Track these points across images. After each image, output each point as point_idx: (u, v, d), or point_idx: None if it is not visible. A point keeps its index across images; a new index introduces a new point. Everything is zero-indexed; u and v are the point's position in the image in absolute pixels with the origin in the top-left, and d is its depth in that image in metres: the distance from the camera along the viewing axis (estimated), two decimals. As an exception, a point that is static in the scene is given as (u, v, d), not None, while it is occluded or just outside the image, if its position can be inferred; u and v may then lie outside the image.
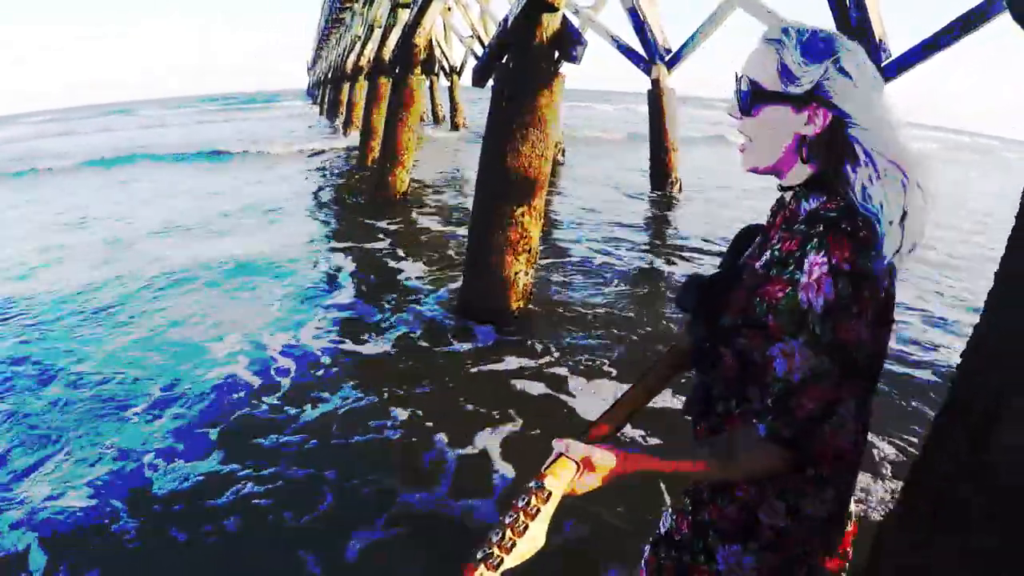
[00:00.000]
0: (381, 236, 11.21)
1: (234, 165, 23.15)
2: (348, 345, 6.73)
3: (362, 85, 22.76)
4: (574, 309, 7.66)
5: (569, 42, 6.47)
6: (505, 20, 6.89)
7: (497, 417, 5.11)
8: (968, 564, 1.89)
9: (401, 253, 10.19)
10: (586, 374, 5.92)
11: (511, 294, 6.89)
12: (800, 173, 1.52)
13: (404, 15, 14.49)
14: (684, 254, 10.41)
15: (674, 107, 14.39)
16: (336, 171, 20.69)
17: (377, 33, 18.95)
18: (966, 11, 7.82)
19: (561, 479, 1.40)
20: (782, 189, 1.59)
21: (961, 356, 2.11)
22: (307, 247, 10.80)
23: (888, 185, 1.38)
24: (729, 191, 16.43)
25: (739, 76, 1.52)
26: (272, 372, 6.02)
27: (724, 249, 1.76)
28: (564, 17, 6.54)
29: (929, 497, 2.12)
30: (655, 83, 14.23)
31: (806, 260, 1.39)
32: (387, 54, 16.51)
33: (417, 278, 8.92)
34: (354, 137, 23.18)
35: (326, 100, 44.75)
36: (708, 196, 15.53)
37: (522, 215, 6.62)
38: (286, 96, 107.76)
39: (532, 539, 1.32)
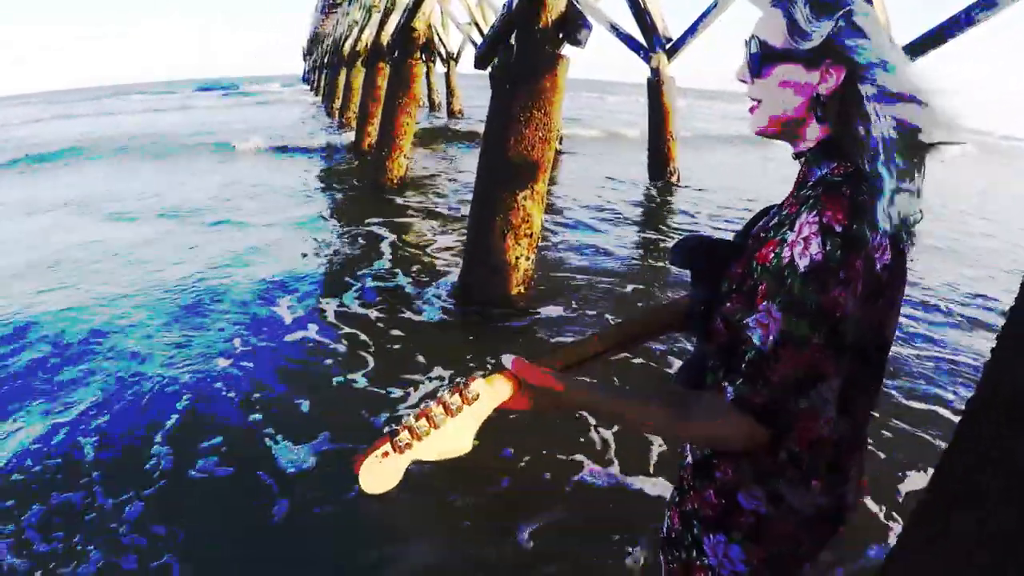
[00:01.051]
0: (378, 221, 11.14)
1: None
2: (341, 331, 6.71)
3: (360, 70, 22.62)
4: (576, 294, 7.63)
5: (574, 25, 6.42)
6: (509, 2, 6.84)
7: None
8: (986, 546, 1.86)
9: (399, 238, 10.13)
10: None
11: (512, 279, 6.85)
12: (812, 136, 1.46)
13: (402, 1, 14.39)
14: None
15: (674, 96, 14.33)
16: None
17: (376, 17, 18.84)
18: (971, 3, 7.79)
19: (495, 388, 1.36)
20: (796, 156, 1.52)
21: (992, 348, 2.08)
22: (296, 235, 10.66)
23: (902, 149, 1.32)
24: (736, 190, 16.37)
25: (748, 39, 1.47)
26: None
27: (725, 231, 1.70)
28: (568, 0, 6.48)
29: (949, 488, 2.09)
30: (655, 72, 14.16)
31: (798, 220, 1.34)
32: (385, 38, 16.43)
33: (416, 263, 8.87)
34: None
35: (323, 85, 44.52)
36: (709, 187, 15.51)
37: (524, 199, 6.58)
38: (281, 81, 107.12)
39: (449, 437, 1.31)
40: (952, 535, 2.00)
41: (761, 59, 1.45)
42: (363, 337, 6.43)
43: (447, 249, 9.48)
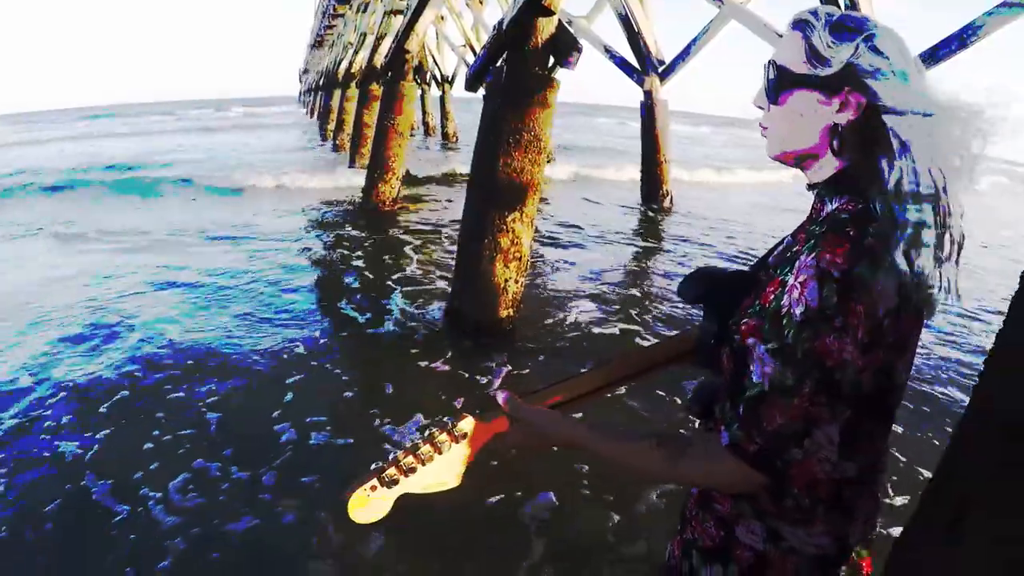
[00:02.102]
0: (368, 243, 11.09)
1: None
2: (334, 352, 6.62)
3: (354, 92, 22.72)
4: (564, 318, 7.58)
5: (564, 47, 6.39)
6: (500, 23, 6.82)
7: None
8: (987, 560, 1.82)
9: (389, 260, 10.08)
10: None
11: (500, 302, 6.75)
12: (827, 168, 1.38)
13: (397, 22, 14.44)
14: (676, 263, 10.34)
15: (666, 119, 14.36)
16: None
17: (370, 40, 18.94)
18: (961, 27, 7.84)
19: (484, 427, 1.39)
20: (809, 188, 1.45)
21: (985, 360, 2.04)
22: (285, 256, 10.55)
23: (925, 186, 1.24)
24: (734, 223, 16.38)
25: (767, 63, 1.41)
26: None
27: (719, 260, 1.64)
28: (560, 22, 6.46)
29: (948, 502, 2.04)
30: (648, 95, 14.19)
31: (798, 261, 1.28)
32: (379, 61, 16.48)
33: (406, 285, 8.79)
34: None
35: (318, 107, 44.76)
36: (701, 210, 15.51)
37: (513, 221, 6.51)
38: (278, 102, 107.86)
39: (436, 472, 1.34)
40: (946, 550, 1.95)
41: (778, 85, 1.40)
42: (351, 359, 6.38)
43: (438, 271, 9.42)
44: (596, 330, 7.29)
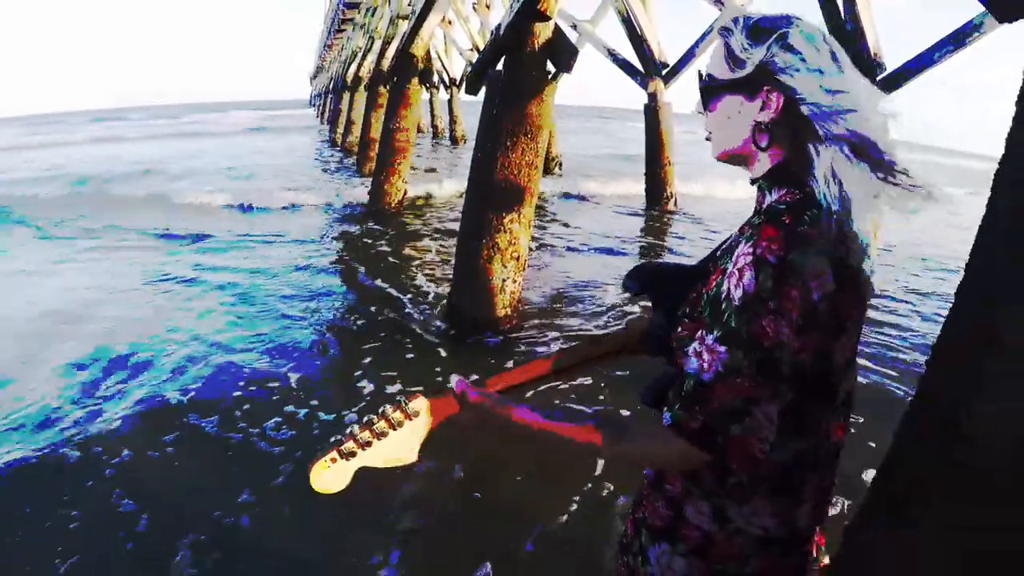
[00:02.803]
0: (373, 244, 11.21)
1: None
2: (332, 351, 6.75)
3: (361, 95, 22.85)
4: (561, 317, 7.66)
5: (561, 51, 6.51)
6: (498, 28, 6.93)
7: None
8: (929, 543, 1.91)
9: (392, 259, 10.23)
10: (569, 381, 5.89)
11: (498, 301, 6.88)
12: (763, 163, 1.46)
13: (403, 26, 14.56)
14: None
15: (671, 122, 14.39)
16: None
17: (377, 44, 19.06)
18: (956, 28, 7.88)
19: (436, 406, 1.49)
20: (752, 183, 1.51)
21: (932, 347, 2.14)
22: (290, 258, 10.78)
23: (853, 171, 1.31)
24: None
25: (699, 73, 1.49)
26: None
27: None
28: (556, 26, 6.56)
29: (895, 488, 2.14)
30: (652, 97, 14.24)
31: (737, 250, 1.34)
32: (386, 64, 16.61)
33: (407, 284, 8.92)
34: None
35: (328, 110, 44.94)
36: (705, 214, 15.55)
37: (511, 222, 6.63)
38: (280, 106, 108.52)
39: (392, 447, 1.44)
40: (895, 533, 2.04)
41: (708, 92, 1.48)
42: (349, 355, 6.49)
43: (438, 271, 9.54)
44: (595, 329, 7.37)
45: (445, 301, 7.66)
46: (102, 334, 6.96)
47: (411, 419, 1.46)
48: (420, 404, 1.47)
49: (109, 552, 3.68)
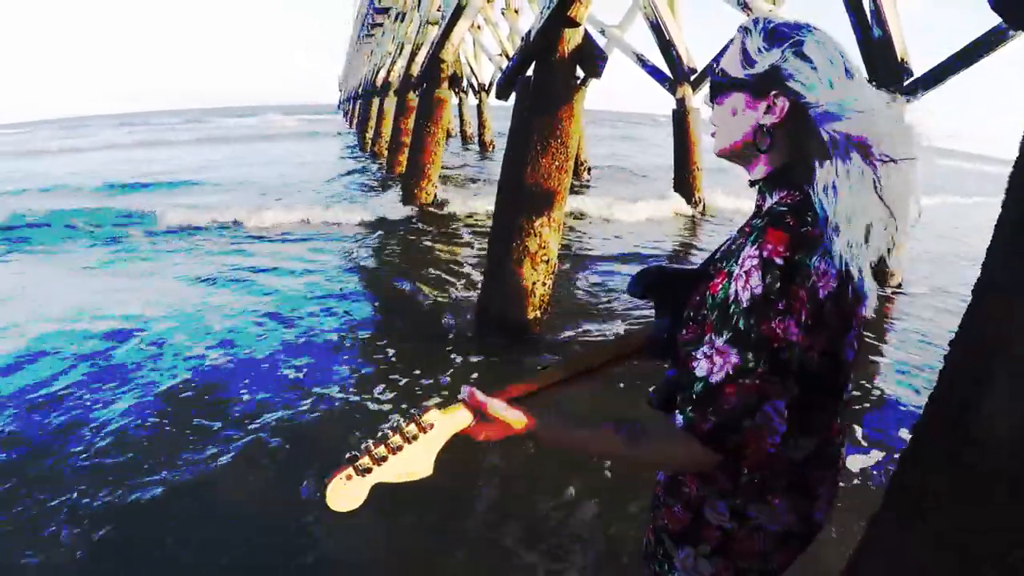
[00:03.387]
0: (403, 246, 11.38)
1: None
2: (361, 351, 6.88)
3: (391, 100, 22.99)
4: (590, 320, 7.73)
5: (590, 57, 6.56)
6: (528, 34, 7.01)
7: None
8: (940, 546, 1.96)
9: (422, 261, 10.37)
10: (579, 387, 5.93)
11: (528, 303, 6.95)
12: (764, 166, 1.49)
13: (433, 32, 14.69)
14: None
15: (699, 127, 14.44)
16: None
17: (407, 49, 19.19)
18: (985, 31, 7.86)
19: (451, 419, 1.47)
20: (751, 184, 1.55)
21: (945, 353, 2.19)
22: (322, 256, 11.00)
23: (854, 180, 1.33)
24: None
25: (712, 66, 1.55)
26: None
27: None
28: (586, 32, 6.63)
29: (907, 490, 2.19)
30: (680, 103, 14.30)
31: (742, 253, 1.37)
32: (416, 70, 16.74)
33: (438, 286, 9.04)
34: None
35: (357, 115, 45.17)
36: (732, 216, 15.55)
37: (541, 226, 6.71)
38: (320, 110, 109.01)
39: (407, 461, 1.42)
40: (908, 534, 2.09)
41: (718, 86, 1.51)
42: (379, 356, 6.59)
43: (469, 273, 9.66)
44: (622, 332, 7.42)
45: (476, 302, 7.75)
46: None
47: (425, 432, 1.44)
48: (433, 416, 1.45)
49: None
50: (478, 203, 14.85)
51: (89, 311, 7.80)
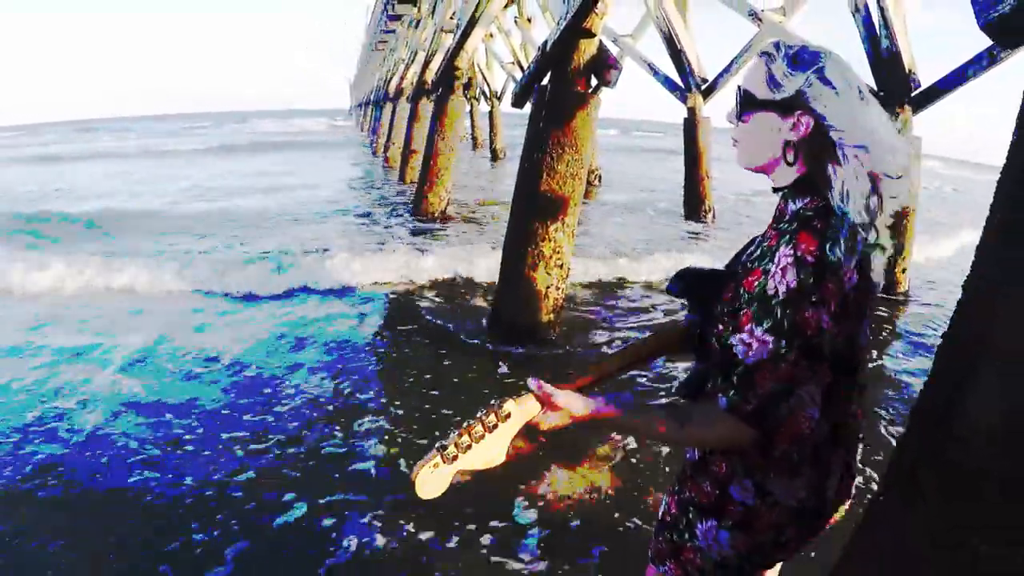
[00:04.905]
0: (416, 249, 11.50)
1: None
2: (374, 357, 7.07)
3: (405, 106, 23.11)
4: (603, 325, 7.89)
5: (605, 67, 6.73)
6: (544, 44, 7.16)
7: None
8: (931, 542, 2.06)
9: (436, 265, 10.47)
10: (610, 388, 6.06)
11: (542, 307, 7.11)
12: (787, 175, 1.64)
13: (447, 39, 14.82)
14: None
15: (709, 136, 14.54)
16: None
17: (421, 56, 19.31)
18: (982, 50, 7.99)
19: (522, 407, 1.58)
20: (775, 191, 1.70)
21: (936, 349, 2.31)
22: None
23: (862, 189, 1.51)
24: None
25: (738, 87, 1.69)
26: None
27: None
28: (600, 43, 6.81)
29: (898, 486, 2.30)
30: (691, 111, 14.44)
31: (777, 253, 1.53)
32: (430, 76, 16.87)
33: (451, 290, 9.25)
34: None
35: (369, 120, 45.32)
36: (743, 223, 15.63)
37: (555, 231, 6.87)
38: (332, 115, 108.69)
39: (487, 449, 1.54)
40: (895, 529, 2.21)
41: (744, 105, 1.65)
42: (395, 356, 6.82)
43: (482, 277, 9.79)
44: (633, 334, 7.57)
45: (490, 307, 7.91)
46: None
47: (503, 422, 1.55)
48: (511, 407, 1.56)
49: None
50: (488, 209, 14.80)
51: None
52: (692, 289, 1.83)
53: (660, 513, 1.95)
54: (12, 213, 16.10)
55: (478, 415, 1.55)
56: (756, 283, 1.55)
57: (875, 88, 8.86)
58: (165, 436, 5.02)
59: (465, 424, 1.54)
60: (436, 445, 1.52)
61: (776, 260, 1.52)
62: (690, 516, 1.80)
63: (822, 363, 1.50)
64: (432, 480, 1.50)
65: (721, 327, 1.64)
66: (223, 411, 5.50)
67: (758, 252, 1.64)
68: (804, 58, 1.57)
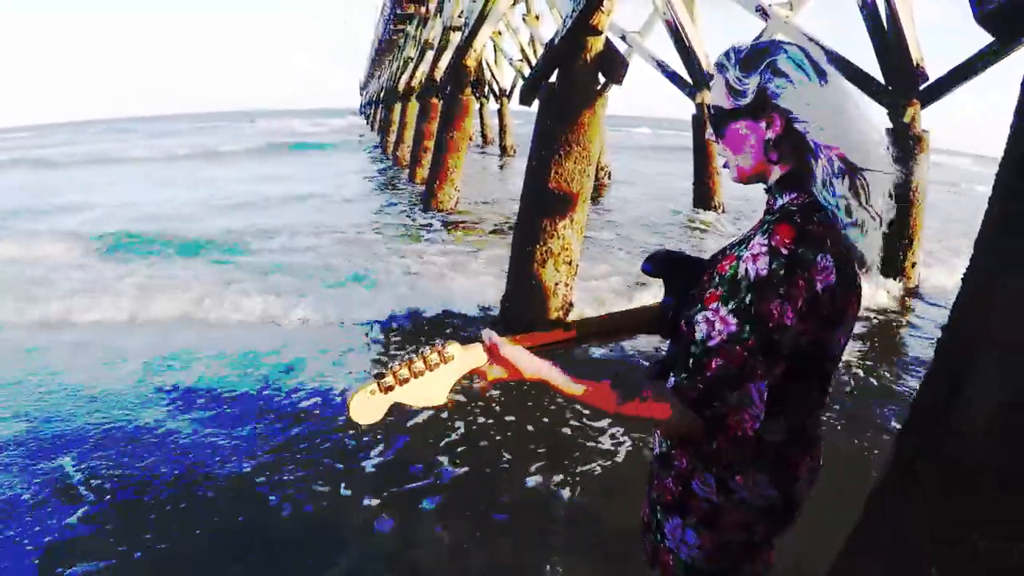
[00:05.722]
0: (425, 246, 11.66)
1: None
2: (385, 348, 7.12)
3: (414, 105, 23.16)
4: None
5: (612, 63, 6.78)
6: (552, 41, 7.20)
7: (518, 419, 5.40)
8: (930, 536, 2.08)
9: (445, 261, 10.58)
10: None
11: (551, 304, 7.15)
12: (775, 174, 1.61)
13: (455, 37, 14.88)
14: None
15: (719, 131, 14.48)
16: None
17: (429, 55, 19.36)
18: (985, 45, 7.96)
19: (468, 353, 1.59)
20: (766, 190, 1.66)
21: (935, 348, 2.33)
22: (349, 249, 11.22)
23: (839, 178, 1.49)
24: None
25: (707, 106, 1.70)
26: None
27: None
28: (607, 40, 6.83)
29: (893, 479, 2.33)
30: (700, 108, 14.45)
31: (753, 240, 1.52)
32: (438, 75, 16.92)
33: (461, 285, 9.23)
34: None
35: (379, 120, 45.37)
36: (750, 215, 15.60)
37: (564, 227, 6.91)
38: (341, 114, 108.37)
39: (426, 387, 1.54)
40: (893, 522, 2.24)
41: (717, 122, 1.64)
42: (403, 354, 6.76)
43: (490, 273, 9.80)
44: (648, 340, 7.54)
45: (499, 303, 7.91)
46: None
47: (446, 363, 1.54)
48: (455, 350, 1.56)
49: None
50: (498, 206, 14.77)
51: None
52: (668, 272, 1.84)
53: (642, 515, 1.93)
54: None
55: (420, 351, 1.56)
56: (729, 266, 1.53)
57: (883, 82, 8.87)
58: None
59: (406, 358, 1.54)
60: (374, 372, 1.52)
61: (751, 247, 1.51)
62: (658, 516, 1.79)
63: (776, 360, 1.46)
64: (366, 405, 1.51)
65: (692, 310, 1.61)
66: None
67: (738, 241, 1.66)
68: (753, 58, 1.56)
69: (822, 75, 1.53)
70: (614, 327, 1.96)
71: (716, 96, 1.64)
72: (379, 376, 1.51)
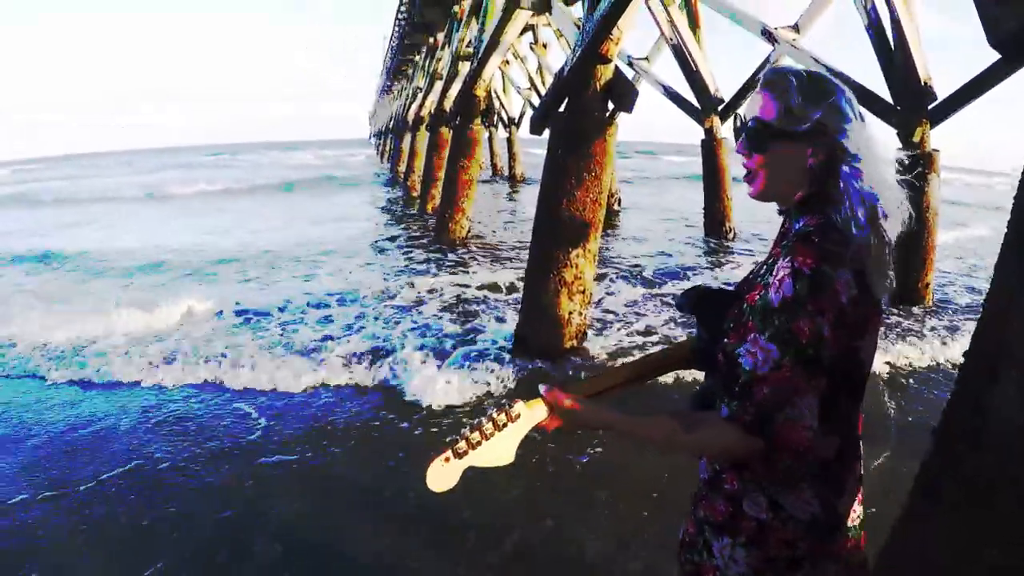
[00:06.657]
0: (440, 275, 11.69)
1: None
2: (400, 377, 7.04)
3: (423, 135, 23.28)
4: (627, 348, 7.88)
5: (622, 92, 6.82)
6: (561, 71, 7.24)
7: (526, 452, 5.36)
8: (957, 552, 2.08)
9: (460, 291, 10.62)
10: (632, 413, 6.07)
11: (565, 333, 7.16)
12: (796, 197, 1.71)
13: (464, 67, 14.96)
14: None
15: (728, 156, 14.50)
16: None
17: (438, 85, 19.46)
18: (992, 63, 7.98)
19: (531, 410, 1.66)
20: (780, 212, 1.79)
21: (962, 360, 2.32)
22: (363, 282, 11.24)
23: (866, 205, 1.59)
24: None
25: (744, 118, 1.74)
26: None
27: None
28: (616, 68, 6.89)
29: (921, 495, 2.33)
30: (708, 132, 14.47)
31: (776, 265, 1.60)
32: (448, 105, 17.00)
33: (476, 315, 9.28)
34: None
35: (388, 150, 45.66)
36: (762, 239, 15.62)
37: (577, 257, 6.93)
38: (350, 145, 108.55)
39: (496, 447, 1.61)
40: (920, 537, 2.23)
41: (758, 136, 1.71)
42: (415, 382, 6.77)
43: (505, 302, 9.87)
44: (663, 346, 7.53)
45: (514, 332, 7.90)
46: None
47: (513, 422, 1.62)
48: (520, 408, 1.64)
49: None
50: (510, 236, 14.79)
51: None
52: (700, 306, 1.88)
53: (681, 533, 1.97)
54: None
55: (489, 413, 1.62)
56: (758, 296, 1.63)
57: (891, 103, 8.87)
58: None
59: (476, 422, 1.61)
60: (448, 439, 1.58)
61: (775, 272, 1.59)
62: (706, 535, 1.82)
63: (820, 374, 1.54)
64: (442, 473, 1.57)
65: (728, 341, 1.70)
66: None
67: (763, 270, 1.73)
68: (816, 90, 1.65)
69: (861, 116, 1.65)
70: (658, 366, 2.00)
71: (764, 111, 1.71)
72: (453, 443, 1.58)
